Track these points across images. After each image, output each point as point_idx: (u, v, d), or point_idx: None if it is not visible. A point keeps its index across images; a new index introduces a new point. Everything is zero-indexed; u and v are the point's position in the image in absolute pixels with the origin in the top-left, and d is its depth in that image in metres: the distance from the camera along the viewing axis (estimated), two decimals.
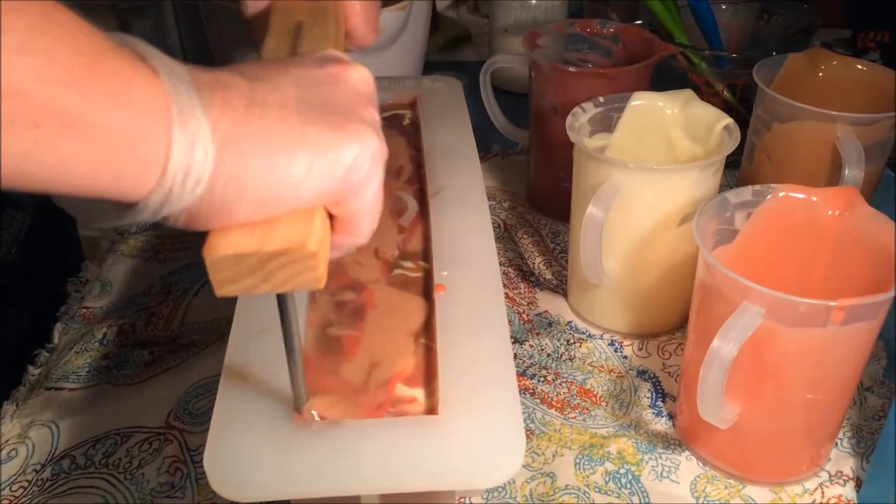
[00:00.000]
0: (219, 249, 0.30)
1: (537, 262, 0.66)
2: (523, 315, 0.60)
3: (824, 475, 0.48)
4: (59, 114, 0.24)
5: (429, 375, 0.41)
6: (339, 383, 0.40)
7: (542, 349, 0.57)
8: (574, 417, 0.52)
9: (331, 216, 0.33)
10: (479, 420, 0.37)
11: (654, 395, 0.54)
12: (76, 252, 0.74)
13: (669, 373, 0.55)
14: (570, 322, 0.60)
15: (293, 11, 0.42)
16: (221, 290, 0.31)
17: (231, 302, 0.43)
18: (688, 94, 0.57)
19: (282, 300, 0.35)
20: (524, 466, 0.49)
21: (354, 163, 0.31)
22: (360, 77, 0.34)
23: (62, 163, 0.25)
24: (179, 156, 0.27)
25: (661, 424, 0.52)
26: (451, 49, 1.04)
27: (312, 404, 0.38)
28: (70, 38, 0.25)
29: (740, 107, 0.75)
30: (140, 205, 0.28)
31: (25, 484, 0.48)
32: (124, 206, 0.28)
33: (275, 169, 0.29)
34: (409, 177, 0.56)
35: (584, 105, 0.57)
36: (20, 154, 0.24)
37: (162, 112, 0.27)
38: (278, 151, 0.29)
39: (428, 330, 0.43)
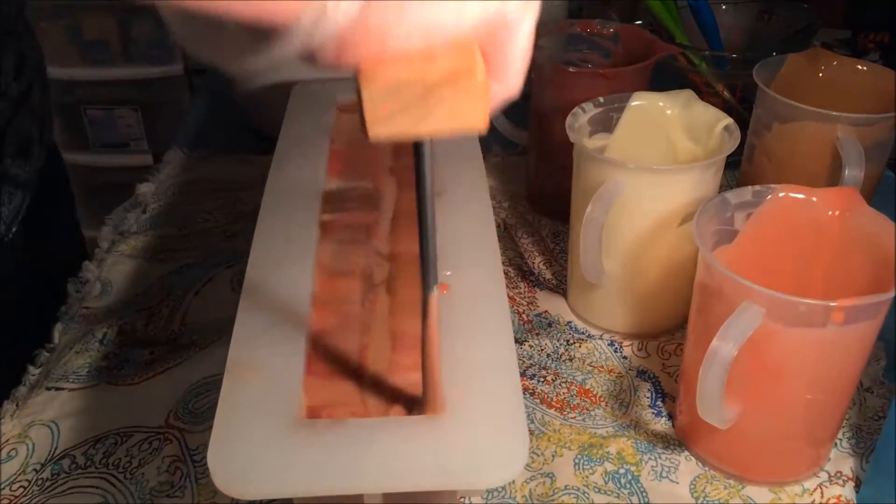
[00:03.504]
0: (377, 78, 0.27)
1: (537, 262, 0.66)
2: (523, 315, 0.60)
3: (824, 475, 0.48)
4: None
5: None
6: (347, 384, 0.40)
7: (542, 349, 0.57)
8: (574, 417, 0.52)
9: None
10: (482, 420, 0.37)
11: (653, 395, 0.54)
12: (77, 234, 0.72)
13: (669, 373, 0.55)
14: (570, 322, 0.60)
15: None
16: (376, 129, 0.27)
17: (231, 302, 0.43)
18: (688, 94, 0.57)
19: (420, 153, 0.31)
20: (524, 467, 0.49)
21: None
22: None
23: None
24: None
25: (661, 424, 0.52)
26: None
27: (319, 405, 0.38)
28: None
29: (740, 107, 0.75)
30: (292, 27, 0.25)
31: (25, 483, 0.48)
32: (267, 37, 0.26)
33: None
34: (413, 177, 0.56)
35: (583, 105, 0.57)
36: None
37: None
38: None
39: None
